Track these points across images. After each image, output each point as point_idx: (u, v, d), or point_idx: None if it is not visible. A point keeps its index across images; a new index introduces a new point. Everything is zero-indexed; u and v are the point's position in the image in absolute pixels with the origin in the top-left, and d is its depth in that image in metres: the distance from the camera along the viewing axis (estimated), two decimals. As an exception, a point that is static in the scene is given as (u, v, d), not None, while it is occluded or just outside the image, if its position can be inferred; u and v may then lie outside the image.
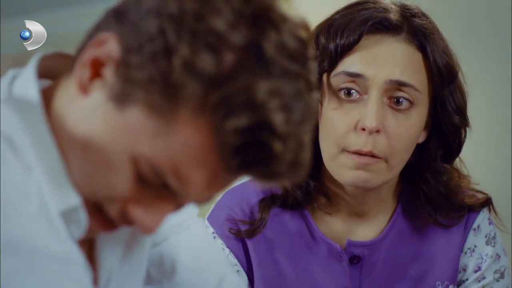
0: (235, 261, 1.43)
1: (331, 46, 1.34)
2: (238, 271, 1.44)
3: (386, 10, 1.35)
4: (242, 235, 1.43)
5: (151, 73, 0.85)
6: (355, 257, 1.42)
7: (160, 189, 0.89)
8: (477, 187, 1.49)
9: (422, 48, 1.35)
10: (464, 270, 1.47)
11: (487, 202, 1.48)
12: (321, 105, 1.36)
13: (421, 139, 1.40)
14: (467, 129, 1.41)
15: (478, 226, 1.47)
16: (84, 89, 0.90)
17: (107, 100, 0.88)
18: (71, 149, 0.90)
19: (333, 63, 1.34)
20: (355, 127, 1.32)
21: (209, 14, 0.85)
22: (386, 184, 1.41)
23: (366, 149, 1.31)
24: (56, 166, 0.91)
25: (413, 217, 1.46)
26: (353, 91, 1.33)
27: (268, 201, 1.44)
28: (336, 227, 1.44)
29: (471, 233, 1.46)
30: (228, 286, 1.17)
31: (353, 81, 1.33)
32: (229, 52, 0.85)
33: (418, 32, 1.35)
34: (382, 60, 1.32)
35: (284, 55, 0.86)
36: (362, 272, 1.43)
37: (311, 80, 0.88)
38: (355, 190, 1.39)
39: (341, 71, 1.34)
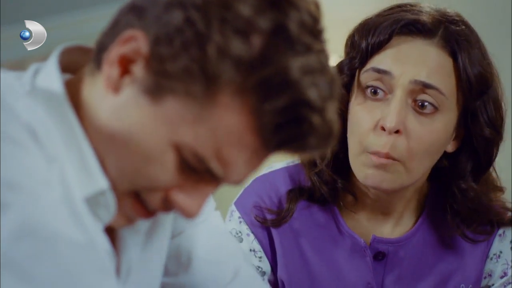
0: (258, 247, 1.44)
1: (363, 43, 1.35)
2: (260, 257, 1.44)
3: (421, 13, 1.35)
4: (267, 224, 1.44)
5: (186, 63, 0.87)
6: (379, 253, 1.42)
7: (202, 174, 0.92)
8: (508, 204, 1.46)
9: (454, 55, 1.33)
10: (490, 275, 1.45)
11: None
12: (349, 106, 1.37)
13: (450, 148, 1.38)
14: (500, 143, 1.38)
15: (504, 232, 1.45)
16: (115, 87, 0.91)
17: (139, 95, 0.90)
18: (106, 146, 0.92)
19: (364, 61, 1.35)
20: (377, 126, 1.32)
21: (234, 1, 0.88)
22: (409, 189, 1.39)
23: (384, 150, 1.31)
24: (84, 153, 0.92)
25: (440, 223, 1.44)
26: (379, 90, 1.33)
27: (296, 193, 1.44)
28: (362, 223, 1.44)
29: (497, 239, 1.45)
30: (243, 278, 1.18)
31: (380, 79, 1.33)
32: (258, 36, 0.87)
33: (452, 38, 1.33)
34: (410, 60, 1.32)
35: (305, 32, 0.89)
36: (385, 268, 1.42)
37: (328, 53, 0.92)
38: (377, 191, 1.38)
39: (370, 67, 1.34)
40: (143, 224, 1.04)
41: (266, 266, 1.45)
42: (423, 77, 1.31)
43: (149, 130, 0.90)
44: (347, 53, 1.38)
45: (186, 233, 1.15)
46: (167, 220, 1.10)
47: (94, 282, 0.86)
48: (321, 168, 1.40)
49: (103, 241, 0.96)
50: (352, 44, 1.37)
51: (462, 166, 1.39)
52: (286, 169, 1.47)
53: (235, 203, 1.47)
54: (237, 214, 1.46)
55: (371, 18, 1.37)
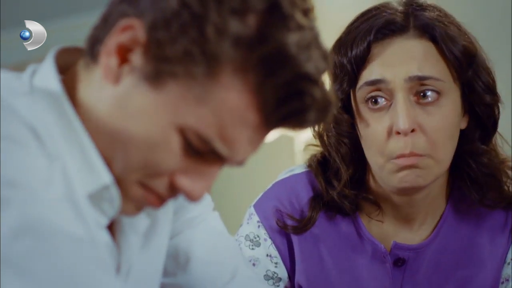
0: (275, 253, 1.44)
1: (346, 63, 1.35)
2: (277, 263, 1.44)
3: (388, 13, 1.36)
4: (288, 230, 1.43)
5: (185, 46, 0.88)
6: (399, 260, 1.42)
7: (206, 155, 0.93)
8: None
9: (433, 39, 1.34)
10: (508, 280, 1.44)
11: None
12: (356, 124, 1.38)
13: (463, 125, 1.39)
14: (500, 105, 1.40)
15: None
16: (114, 77, 0.92)
17: (140, 83, 0.90)
18: (109, 139, 0.92)
19: (353, 80, 1.35)
20: (391, 133, 1.32)
21: None
22: (436, 185, 1.39)
23: (407, 151, 1.31)
24: (85, 149, 0.93)
25: (460, 224, 1.44)
26: (379, 98, 1.33)
27: (319, 202, 1.43)
28: (384, 229, 1.44)
29: None
30: (241, 279, 1.18)
31: (377, 89, 1.33)
32: (253, 15, 0.88)
33: (426, 24, 1.34)
34: (398, 61, 1.33)
35: (297, 10, 0.90)
36: (404, 275, 1.42)
37: (318, 30, 0.94)
38: (403, 196, 1.39)
39: (363, 83, 1.34)
40: (142, 224, 1.05)
41: (283, 272, 1.45)
42: (415, 72, 1.31)
43: (152, 116, 0.90)
44: (334, 77, 1.38)
45: (185, 234, 1.16)
46: (166, 221, 1.10)
47: (94, 278, 0.86)
48: (340, 189, 1.41)
49: (105, 237, 0.97)
50: (335, 66, 1.37)
51: (470, 136, 1.40)
52: (307, 173, 1.47)
53: (255, 206, 1.46)
54: (256, 218, 1.45)
55: (341, 37, 1.38)
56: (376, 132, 1.33)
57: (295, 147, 2.91)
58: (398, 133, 1.31)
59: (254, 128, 0.92)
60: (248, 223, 1.45)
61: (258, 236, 1.44)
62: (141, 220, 1.04)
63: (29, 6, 3.39)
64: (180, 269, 1.16)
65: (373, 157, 1.36)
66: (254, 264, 1.43)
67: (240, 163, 0.95)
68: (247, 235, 1.45)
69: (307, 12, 0.92)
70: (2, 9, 3.33)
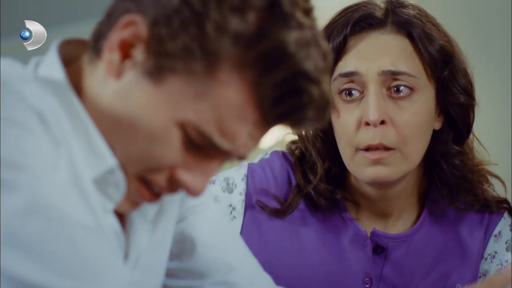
0: (240, 210, 1.44)
1: None
2: (234, 217, 1.43)
3: (368, 7, 1.38)
4: (267, 211, 1.43)
5: (185, 42, 0.90)
6: (379, 247, 1.43)
7: (207, 150, 0.94)
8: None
9: (410, 36, 1.36)
10: (485, 275, 1.46)
11: (505, 202, 1.47)
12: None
13: (437, 125, 1.41)
14: (476, 107, 1.41)
15: (499, 233, 1.46)
16: (116, 72, 0.93)
17: (141, 78, 0.92)
18: (111, 131, 0.94)
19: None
20: (361, 124, 1.34)
21: None
22: (408, 179, 1.41)
23: (376, 142, 1.33)
24: (90, 135, 0.94)
25: (440, 219, 1.45)
26: (353, 91, 1.35)
27: (302, 192, 1.44)
28: (364, 222, 1.45)
29: (492, 239, 1.46)
30: (244, 266, 1.19)
31: (351, 81, 1.35)
32: (253, 13, 0.90)
33: (404, 21, 1.36)
34: (372, 54, 1.35)
35: (297, 9, 0.92)
36: (385, 262, 1.43)
37: (319, 30, 0.95)
38: (376, 190, 1.40)
39: (337, 74, 1.36)
40: (150, 210, 1.06)
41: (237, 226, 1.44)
42: (388, 66, 1.34)
43: (153, 111, 0.92)
44: None
45: (189, 220, 1.17)
46: (173, 206, 1.12)
47: (102, 263, 0.88)
48: (316, 183, 1.42)
49: (112, 222, 0.98)
50: None
51: (443, 137, 1.42)
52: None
53: (249, 164, 1.47)
54: (244, 171, 1.46)
55: (323, 28, 1.38)
56: (346, 122, 1.35)
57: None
58: (368, 124, 1.33)
59: (253, 123, 0.93)
60: (236, 170, 1.46)
61: (235, 185, 1.45)
62: (150, 206, 1.05)
63: (30, 13, 3.40)
64: (186, 253, 1.17)
65: (343, 149, 1.38)
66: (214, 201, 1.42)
67: (242, 157, 0.96)
68: (227, 177, 1.46)
69: (308, 11, 0.93)
70: (2, 16, 3.34)
